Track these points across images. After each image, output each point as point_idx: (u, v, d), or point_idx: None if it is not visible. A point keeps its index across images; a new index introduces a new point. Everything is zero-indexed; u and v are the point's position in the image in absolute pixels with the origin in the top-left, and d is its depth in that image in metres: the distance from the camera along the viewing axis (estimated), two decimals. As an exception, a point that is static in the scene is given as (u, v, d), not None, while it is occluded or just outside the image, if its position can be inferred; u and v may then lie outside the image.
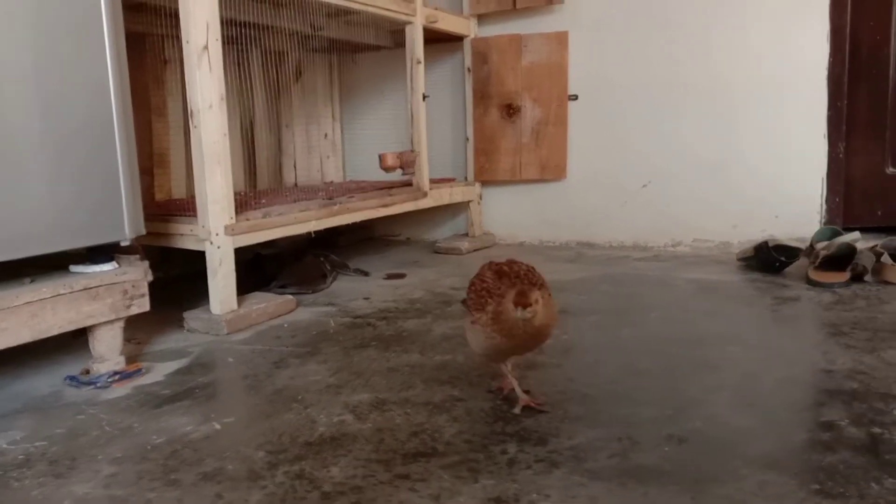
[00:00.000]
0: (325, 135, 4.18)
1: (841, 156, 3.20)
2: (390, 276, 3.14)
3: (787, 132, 3.23)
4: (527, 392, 1.61)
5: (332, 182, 4.01)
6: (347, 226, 3.03)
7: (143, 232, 1.94)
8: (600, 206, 3.60)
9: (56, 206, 1.74)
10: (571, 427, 1.47)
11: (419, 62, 3.30)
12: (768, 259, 2.84)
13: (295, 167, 4.02)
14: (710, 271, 2.97)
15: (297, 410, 1.63)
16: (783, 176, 3.26)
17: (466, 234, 3.86)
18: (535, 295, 1.39)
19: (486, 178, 3.78)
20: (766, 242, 2.87)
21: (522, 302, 1.39)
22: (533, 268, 1.57)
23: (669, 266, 3.11)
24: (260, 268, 2.96)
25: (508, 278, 1.51)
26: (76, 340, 2.01)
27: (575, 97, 3.56)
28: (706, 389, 1.67)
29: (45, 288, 1.71)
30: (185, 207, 2.45)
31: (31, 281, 1.78)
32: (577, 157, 3.61)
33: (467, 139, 3.79)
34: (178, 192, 3.24)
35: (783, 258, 2.83)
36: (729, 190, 3.34)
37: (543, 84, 3.59)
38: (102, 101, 1.82)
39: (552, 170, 3.62)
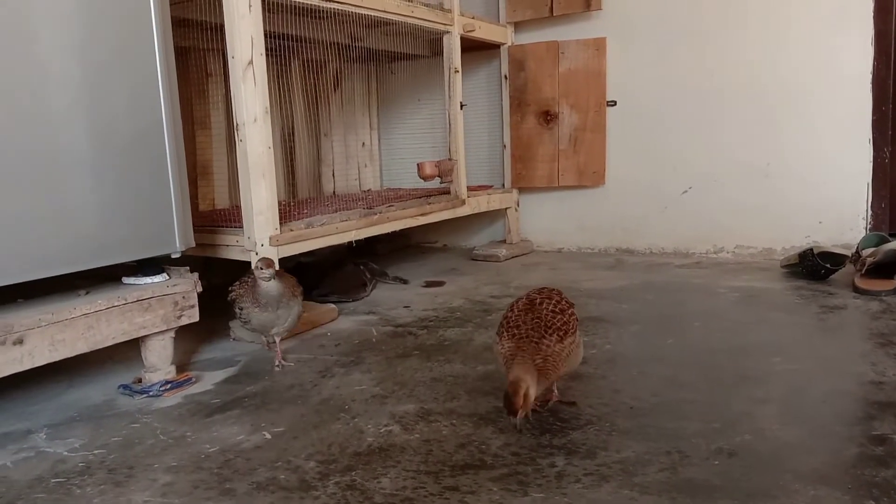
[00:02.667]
0: (363, 144, 4.23)
1: (886, 161, 3.14)
2: (429, 284, 3.16)
3: (830, 137, 3.18)
4: (571, 403, 1.64)
5: (369, 190, 4.06)
6: (386, 234, 3.06)
7: (193, 244, 1.99)
8: (640, 212, 3.58)
9: (110, 220, 1.80)
10: (619, 440, 1.47)
11: (457, 71, 3.32)
12: (814, 266, 2.80)
13: (334, 176, 4.07)
14: (753, 279, 2.93)
15: (344, 420, 1.65)
16: (827, 181, 3.20)
17: (504, 241, 3.87)
18: (522, 392, 1.36)
19: (523, 184, 3.79)
20: (811, 249, 2.83)
21: (509, 408, 1.37)
22: (565, 302, 1.58)
23: (712, 273, 3.08)
24: (301, 276, 3.00)
25: (532, 314, 1.52)
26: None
27: (613, 103, 3.55)
28: (753, 402, 1.65)
29: (100, 300, 1.76)
30: (231, 218, 2.50)
31: (86, 293, 1.84)
32: (615, 163, 3.60)
33: (504, 146, 3.80)
34: (221, 202, 3.31)
35: (828, 265, 2.78)
36: (771, 196, 3.30)
37: (581, 90, 3.58)
38: (153, 116, 1.87)
39: (590, 176, 3.61)
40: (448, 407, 1.70)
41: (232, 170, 3.40)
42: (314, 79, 3.65)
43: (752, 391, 1.72)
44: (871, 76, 3.10)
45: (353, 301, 2.88)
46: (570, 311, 1.57)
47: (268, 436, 1.59)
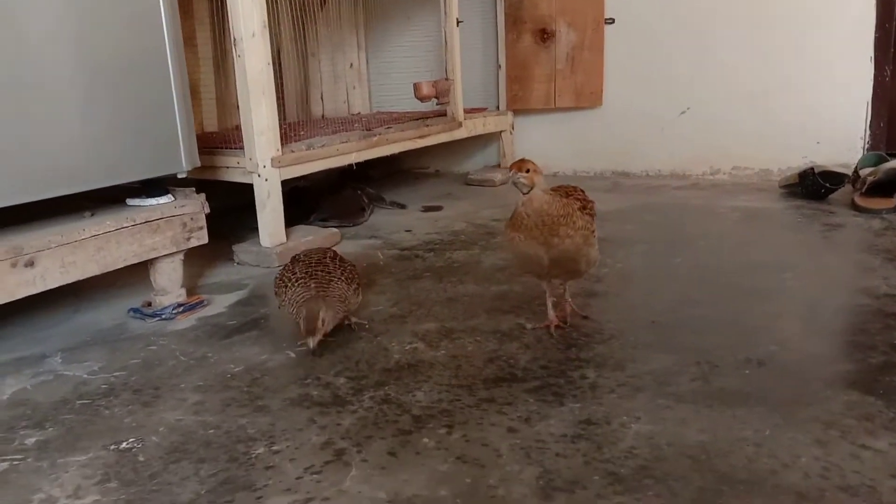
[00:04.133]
0: (351, 64, 4.09)
1: (888, 79, 3.11)
2: (427, 209, 3.12)
3: (830, 56, 3.14)
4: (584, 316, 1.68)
5: (359, 113, 3.95)
6: (378, 158, 3.00)
7: (199, 164, 1.93)
8: (637, 134, 3.54)
9: (116, 140, 1.72)
10: (645, 353, 1.48)
11: (453, -14, 3.20)
12: (814, 186, 2.81)
13: (322, 98, 3.95)
14: (752, 199, 2.94)
15: (367, 339, 1.65)
16: (825, 101, 3.18)
17: (498, 166, 3.82)
18: (532, 165, 1.46)
19: (519, 106, 3.71)
20: (811, 169, 2.84)
21: (516, 166, 1.46)
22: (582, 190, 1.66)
23: (710, 194, 3.08)
24: (299, 201, 2.94)
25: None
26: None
27: (612, 21, 3.46)
28: (770, 316, 1.67)
29: (109, 221, 1.71)
30: (231, 140, 2.42)
31: (92, 215, 1.78)
32: (613, 84, 3.54)
33: (499, 66, 3.71)
34: (210, 125, 3.20)
35: (828, 184, 2.79)
36: (769, 116, 3.28)
37: (578, 7, 3.48)
38: (155, 34, 1.78)
39: (588, 97, 3.55)
40: (469, 325, 1.70)
41: (221, 90, 3.28)
42: (301, -6, 3.49)
43: (767, 306, 1.74)
44: (875, -7, 3.04)
45: (353, 225, 2.84)
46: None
47: (292, 354, 1.57)
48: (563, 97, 3.59)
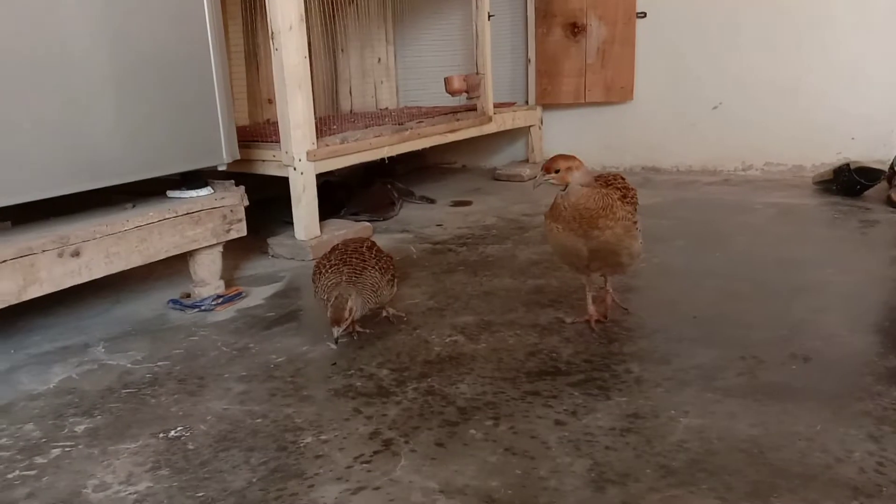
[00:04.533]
0: (379, 59, 4.10)
1: (925, 73, 3.06)
2: (456, 204, 3.12)
3: (864, 50, 3.09)
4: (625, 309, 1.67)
5: (387, 108, 3.96)
6: (404, 154, 3.00)
7: (238, 156, 1.94)
8: (667, 129, 3.51)
9: (160, 132, 1.74)
10: (689, 348, 1.47)
11: (484, -20, 3.19)
12: (849, 182, 2.77)
13: (351, 93, 3.96)
14: (786, 195, 2.91)
15: (406, 331, 1.65)
16: (860, 97, 3.13)
17: (526, 161, 3.81)
18: (564, 164, 1.42)
19: (548, 100, 3.70)
20: (847, 165, 2.79)
21: (546, 166, 1.43)
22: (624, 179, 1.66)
23: (743, 190, 3.05)
24: (329, 195, 2.95)
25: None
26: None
27: (643, 15, 3.43)
28: (813, 311, 1.65)
29: (151, 212, 1.73)
30: (267, 133, 2.43)
31: (133, 206, 1.80)
32: (644, 79, 3.51)
33: (529, 60, 3.69)
34: (241, 119, 3.22)
35: (864, 181, 2.75)
36: (802, 112, 3.23)
37: (610, 1, 3.45)
38: (198, 28, 1.79)
39: (618, 92, 3.52)
40: (508, 318, 1.70)
41: (252, 85, 3.30)
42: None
43: (810, 301, 1.72)
44: (913, -16, 2.99)
45: (383, 220, 2.85)
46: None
47: (332, 346, 1.58)
48: (593, 92, 3.56)
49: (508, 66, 3.81)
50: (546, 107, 3.75)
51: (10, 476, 1.15)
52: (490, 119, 3.31)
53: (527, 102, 3.75)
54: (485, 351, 1.51)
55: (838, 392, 1.25)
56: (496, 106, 3.44)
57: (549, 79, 3.64)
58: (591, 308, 1.62)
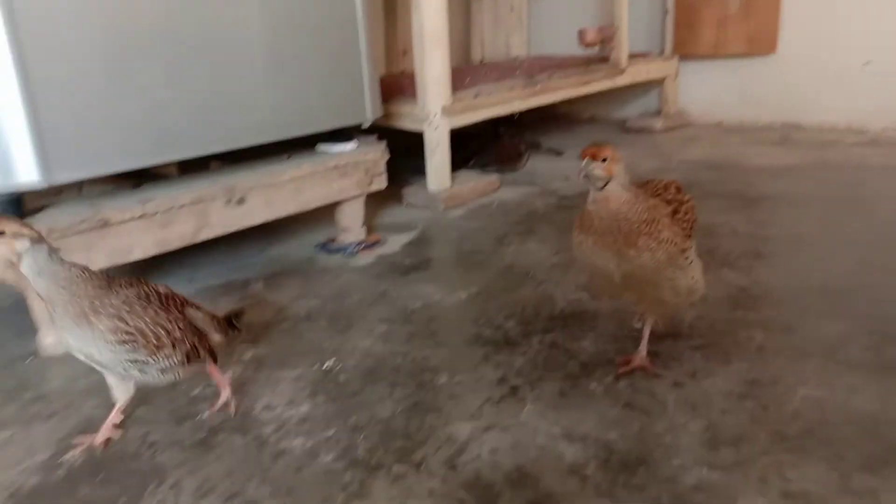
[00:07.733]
0: (512, 7, 4.10)
1: None
2: (584, 156, 3.13)
3: None
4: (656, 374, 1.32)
5: (517, 57, 3.97)
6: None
7: (381, 114, 2.07)
8: (811, 84, 3.32)
9: (310, 92, 1.90)
10: (816, 319, 1.47)
11: (623, -73, 3.11)
12: None
13: (482, 43, 4.01)
14: (943, 159, 2.72)
15: (531, 286, 1.75)
16: None
17: (658, 112, 3.73)
18: (612, 153, 1.14)
19: (686, 51, 3.58)
20: None
21: (590, 152, 1.14)
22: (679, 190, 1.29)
23: (892, 152, 2.87)
24: (459, 146, 3.06)
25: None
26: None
27: (794, -39, 3.23)
28: (957, 288, 1.60)
29: (305, 165, 1.90)
30: (404, 88, 2.54)
31: (289, 157, 1.98)
32: (788, 30, 3.32)
33: (666, 11, 3.58)
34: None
35: None
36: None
37: (758, -53, 3.27)
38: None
39: (760, 43, 3.36)
40: (631, 278, 1.75)
41: (389, 37, 3.42)
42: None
43: (956, 278, 1.65)
44: None
45: (511, 172, 2.92)
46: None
47: (464, 296, 1.71)
48: (733, 43, 3.42)
49: (644, 15, 3.71)
50: (682, 58, 3.64)
51: (193, 394, 1.36)
52: (623, 71, 3.27)
53: (662, 53, 3.66)
54: (607, 310, 1.58)
55: (971, 375, 1.24)
56: (630, 56, 3.38)
57: (687, 29, 3.52)
58: (644, 347, 1.33)
